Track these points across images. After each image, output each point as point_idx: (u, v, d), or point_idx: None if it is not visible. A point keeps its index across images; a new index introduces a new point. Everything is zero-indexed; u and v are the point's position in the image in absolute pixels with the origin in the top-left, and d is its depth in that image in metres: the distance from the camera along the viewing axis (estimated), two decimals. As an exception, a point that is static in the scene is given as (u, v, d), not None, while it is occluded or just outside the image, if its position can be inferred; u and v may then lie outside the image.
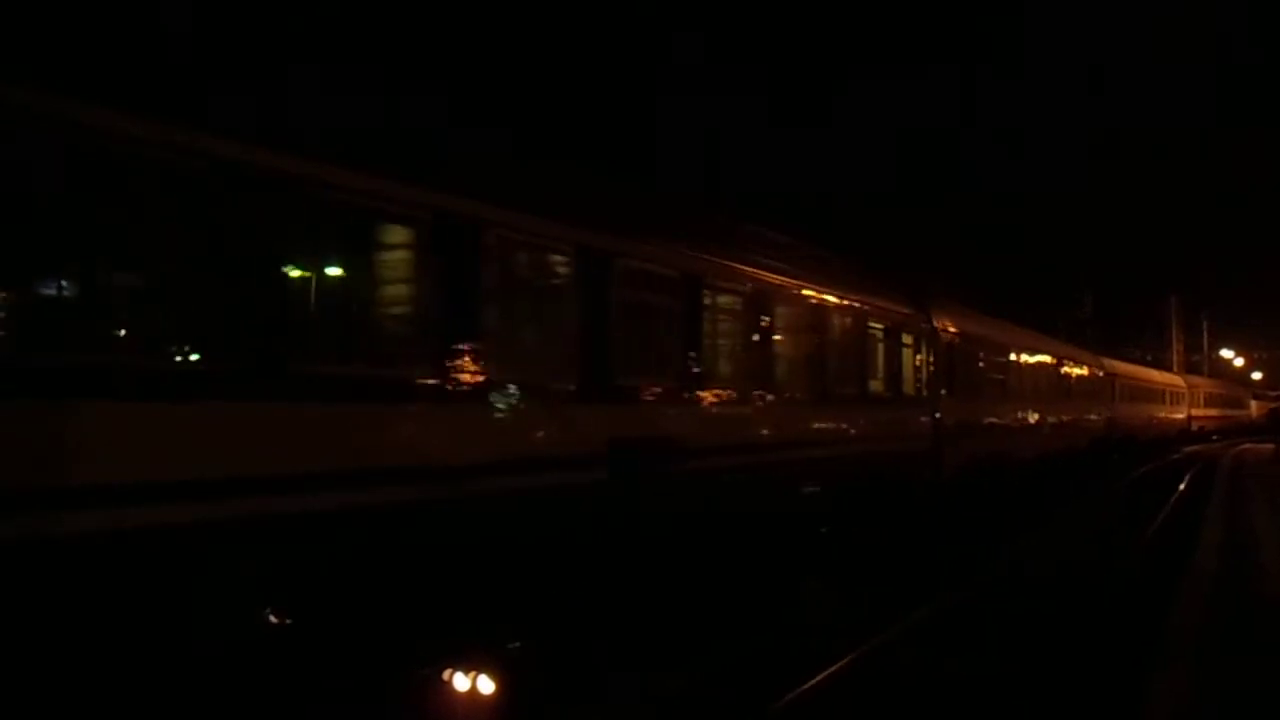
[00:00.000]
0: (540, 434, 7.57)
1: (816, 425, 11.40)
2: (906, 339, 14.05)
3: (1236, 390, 67.83)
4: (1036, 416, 21.79)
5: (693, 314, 9.31)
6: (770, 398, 10.29)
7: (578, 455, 7.81)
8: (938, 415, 14.85)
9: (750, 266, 10.30)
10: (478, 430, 6.98)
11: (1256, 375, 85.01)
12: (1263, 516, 16.00)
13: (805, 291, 11.32)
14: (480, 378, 6.97)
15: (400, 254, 6.58)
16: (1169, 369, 59.38)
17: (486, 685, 6.39)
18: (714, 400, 9.33)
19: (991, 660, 8.56)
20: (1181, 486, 23.09)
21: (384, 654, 6.00)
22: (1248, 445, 42.79)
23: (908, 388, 14.18)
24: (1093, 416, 28.36)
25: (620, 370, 8.41)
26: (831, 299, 11.87)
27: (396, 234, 6.55)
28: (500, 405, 7.08)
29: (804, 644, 8.89)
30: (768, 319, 10.38)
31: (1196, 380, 56.27)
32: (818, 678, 8.06)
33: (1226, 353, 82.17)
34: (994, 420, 18.18)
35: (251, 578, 5.43)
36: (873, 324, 12.96)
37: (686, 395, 9.11)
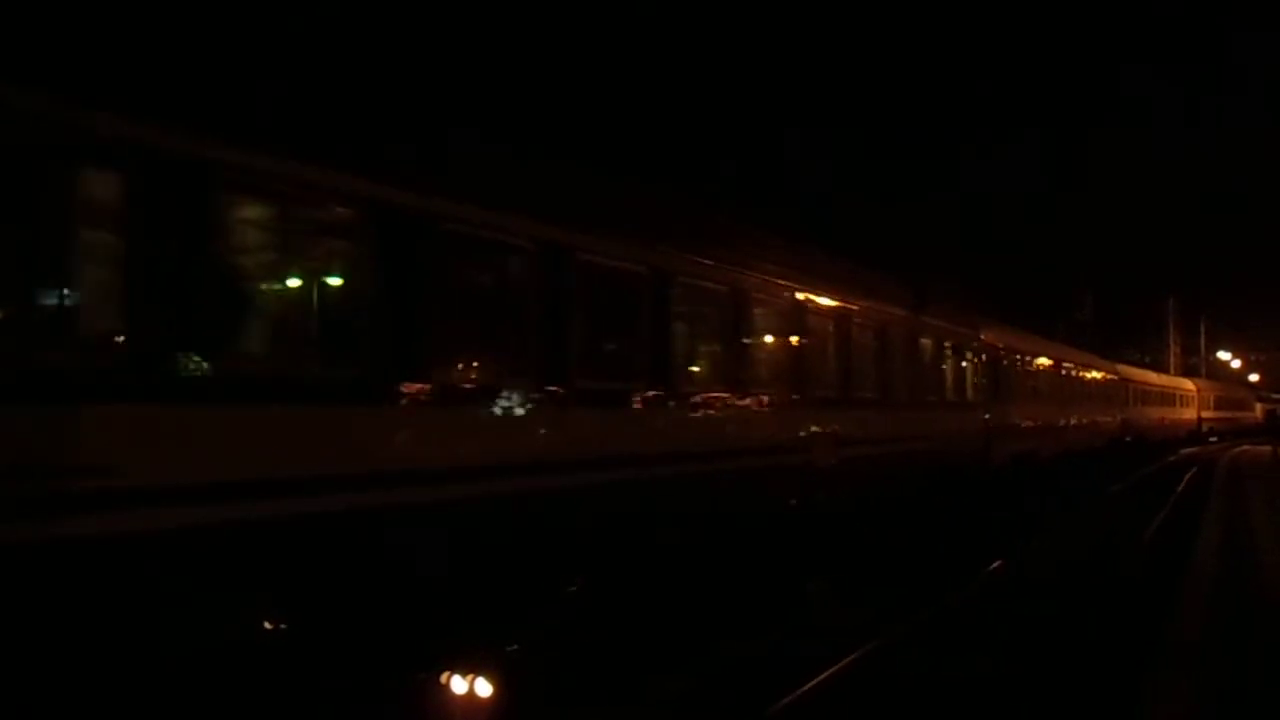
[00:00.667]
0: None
1: (916, 425, 14.48)
2: (969, 355, 17.39)
3: (1241, 393, 70.23)
4: (1061, 418, 24.81)
5: (845, 344, 12.57)
6: (891, 406, 13.74)
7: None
8: (986, 416, 17.87)
9: (883, 316, 13.81)
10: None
11: (1253, 377, 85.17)
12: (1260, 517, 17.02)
13: (916, 326, 14.97)
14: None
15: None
16: (1167, 371, 59.90)
17: (484, 688, 6.35)
18: (866, 407, 12.98)
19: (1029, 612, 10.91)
20: (1179, 488, 24.51)
21: (381, 656, 5.97)
22: (1246, 447, 42.69)
23: (968, 395, 17.45)
24: (1108, 418, 31.31)
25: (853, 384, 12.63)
26: (930, 326, 15.60)
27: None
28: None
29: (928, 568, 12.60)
30: (885, 347, 13.75)
31: (1205, 384, 59.08)
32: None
33: (1224, 354, 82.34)
34: (1028, 421, 21.20)
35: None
36: (946, 344, 16.32)
37: (854, 402, 12.63)
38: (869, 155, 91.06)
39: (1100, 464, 27.05)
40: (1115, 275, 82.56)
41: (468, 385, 7.07)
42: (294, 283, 6.18)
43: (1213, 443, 50.55)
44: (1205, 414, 52.75)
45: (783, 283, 11.00)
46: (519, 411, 7.22)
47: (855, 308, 12.69)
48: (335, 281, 6.33)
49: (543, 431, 7.52)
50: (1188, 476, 27.25)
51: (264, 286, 6.09)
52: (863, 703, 7.82)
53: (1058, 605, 11.09)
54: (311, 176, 5.78)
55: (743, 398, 10.06)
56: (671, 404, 8.91)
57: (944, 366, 16.36)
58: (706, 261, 9.75)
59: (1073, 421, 26.12)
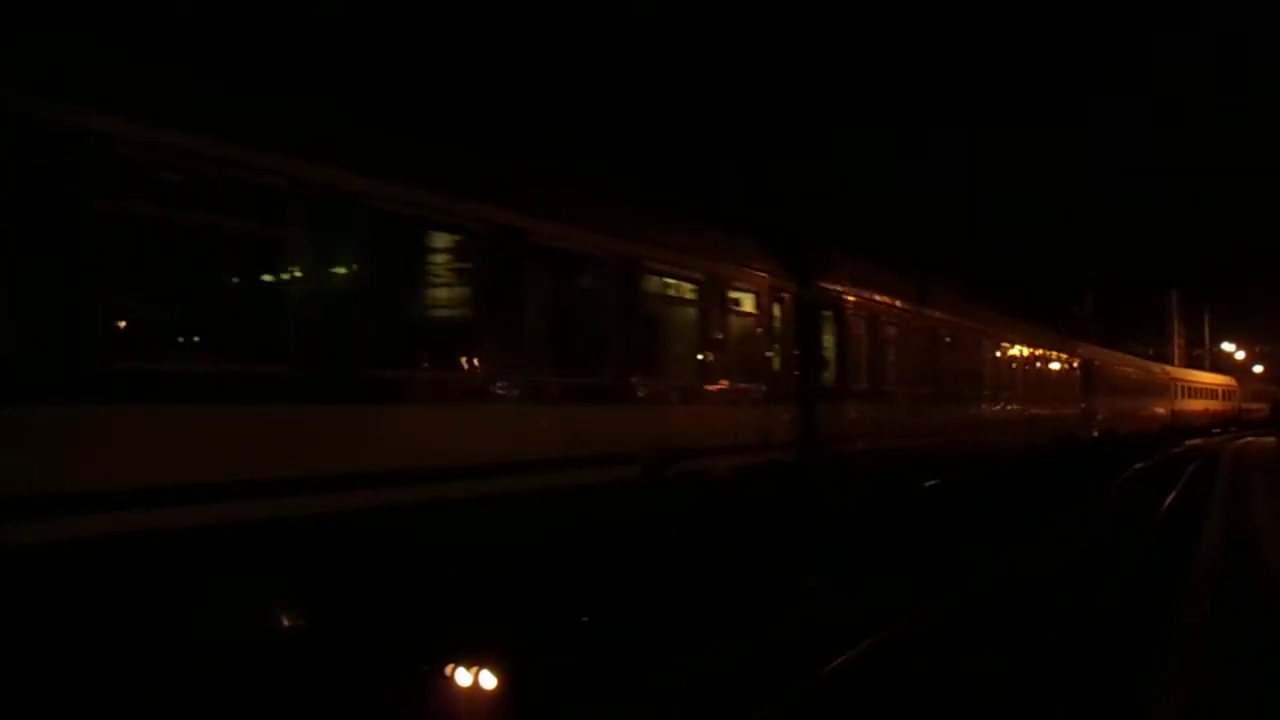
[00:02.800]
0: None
1: (1056, 411, 23.87)
2: (1072, 365, 26.13)
3: (1270, 387, 76.01)
4: (1129, 407, 33.94)
5: (991, 357, 19.56)
6: (1047, 401, 23.06)
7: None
8: (1083, 406, 26.73)
9: (1024, 344, 22.03)
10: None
11: (1258, 368, 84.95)
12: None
13: (1053, 350, 24.56)
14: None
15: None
16: (1170, 363, 60.26)
17: (489, 680, 6.40)
18: (1040, 403, 22.14)
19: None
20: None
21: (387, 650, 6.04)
22: (1249, 439, 42.89)
23: (1071, 393, 25.76)
24: (1160, 410, 40.75)
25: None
26: (1050, 351, 24.10)
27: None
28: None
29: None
30: (1046, 368, 23.16)
31: (1242, 379, 68.35)
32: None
33: (1228, 346, 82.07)
34: (1107, 410, 29.84)
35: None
36: (1062, 358, 25.22)
37: (996, 400, 19.26)
38: (869, 155, 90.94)
39: (1161, 439, 37.58)
40: (1117, 268, 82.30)
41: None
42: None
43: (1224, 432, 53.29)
44: (1245, 405, 62.41)
45: (1009, 336, 20.72)
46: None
47: (1039, 351, 22.90)
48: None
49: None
50: (1232, 446, 36.75)
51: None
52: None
53: (1153, 496, 19.82)
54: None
55: (989, 400, 18.87)
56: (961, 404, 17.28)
57: (1061, 374, 25.09)
58: (969, 323, 18.43)
59: (1138, 410, 35.69)
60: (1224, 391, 58.04)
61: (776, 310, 11.23)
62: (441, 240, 7.26)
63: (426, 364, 7.07)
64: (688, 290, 9.68)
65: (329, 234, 6.07)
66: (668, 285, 9.44)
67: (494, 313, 7.28)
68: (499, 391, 7.28)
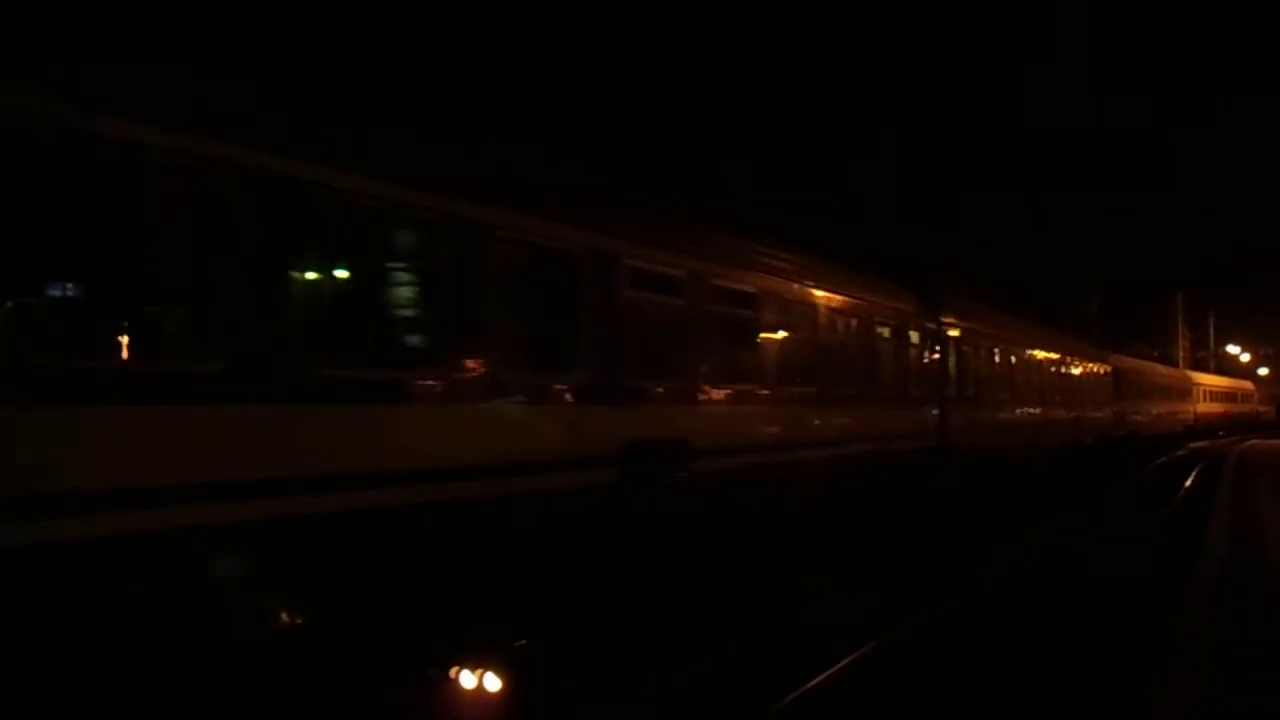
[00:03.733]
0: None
1: (1089, 412, 27.38)
2: (1103, 372, 30.17)
3: (1276, 389, 79.98)
4: (1155, 409, 38.76)
5: (1047, 370, 23.56)
6: (1080, 405, 26.56)
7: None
8: (1115, 409, 30.71)
9: (1069, 357, 26.22)
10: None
11: (1263, 371, 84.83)
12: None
13: (1094, 363, 29.37)
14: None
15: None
16: (1175, 365, 60.71)
17: (493, 683, 6.38)
18: (1074, 407, 25.69)
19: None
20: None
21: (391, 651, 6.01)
22: (1254, 440, 42.87)
23: (1105, 397, 29.83)
24: (1185, 410, 46.08)
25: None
26: (1088, 363, 28.17)
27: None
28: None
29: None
30: (1070, 375, 26.11)
31: (1259, 383, 74.49)
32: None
33: (1233, 348, 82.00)
34: (1135, 411, 34.35)
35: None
36: (1097, 367, 29.27)
37: (1051, 404, 23.28)
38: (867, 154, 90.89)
39: (1181, 437, 42.77)
40: (1122, 270, 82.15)
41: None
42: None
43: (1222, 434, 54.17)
44: (1260, 408, 67.33)
45: (1058, 351, 24.94)
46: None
47: (1079, 362, 26.97)
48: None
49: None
50: (1242, 444, 39.45)
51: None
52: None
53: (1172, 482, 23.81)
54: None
55: (1046, 404, 22.92)
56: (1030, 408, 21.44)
57: (1097, 381, 28.96)
58: (1033, 343, 22.81)
59: (1162, 412, 40.30)
60: (1241, 395, 64.02)
61: (918, 338, 15.48)
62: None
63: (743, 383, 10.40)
64: (887, 329, 14.22)
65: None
66: (881, 326, 14.07)
67: (759, 345, 10.72)
68: (799, 397, 11.35)
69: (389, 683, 6.09)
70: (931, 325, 15.69)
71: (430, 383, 6.83)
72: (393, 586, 6.19)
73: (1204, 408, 50.40)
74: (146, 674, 4.96)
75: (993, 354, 18.94)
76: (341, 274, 6.43)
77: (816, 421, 11.73)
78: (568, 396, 7.88)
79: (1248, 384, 69.10)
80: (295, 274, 6.02)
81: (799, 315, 11.49)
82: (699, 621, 8.06)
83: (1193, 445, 41.18)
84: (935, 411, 15.51)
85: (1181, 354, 73.25)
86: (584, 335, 8.08)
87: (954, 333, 16.58)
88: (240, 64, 6.37)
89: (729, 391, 9.86)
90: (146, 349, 5.32)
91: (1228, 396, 59.43)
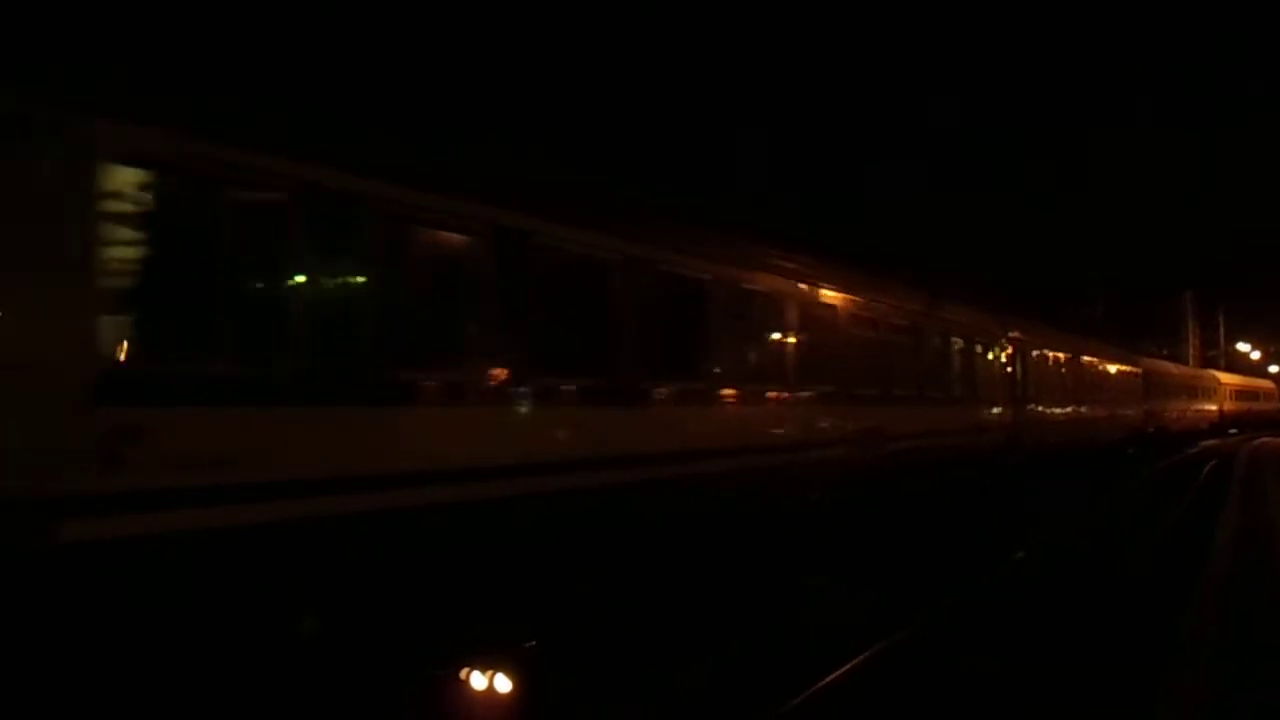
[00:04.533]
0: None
1: (1122, 410, 30.82)
2: (1138, 373, 34.11)
3: None
4: (1182, 408, 42.97)
5: (1093, 374, 27.85)
6: (1114, 404, 30.21)
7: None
8: (1145, 408, 34.27)
9: (1106, 361, 30.03)
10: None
11: (1273, 369, 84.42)
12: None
13: (1131, 368, 33.70)
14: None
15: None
16: (1186, 364, 60.73)
17: (503, 684, 6.41)
18: (1111, 405, 29.42)
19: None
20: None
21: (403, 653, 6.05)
22: (1266, 439, 42.78)
23: (1136, 396, 33.24)
24: (1209, 410, 50.64)
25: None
26: (1122, 366, 31.79)
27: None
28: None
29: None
30: (1108, 377, 29.97)
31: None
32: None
33: (1243, 346, 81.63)
34: (1162, 409, 37.94)
35: None
36: (1130, 369, 32.96)
37: (1095, 404, 27.10)
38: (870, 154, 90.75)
39: (1206, 432, 47.88)
40: (1131, 268, 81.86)
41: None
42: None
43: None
44: None
45: (1099, 356, 28.64)
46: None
47: (1114, 365, 30.58)
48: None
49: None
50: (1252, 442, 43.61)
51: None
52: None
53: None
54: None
55: (1091, 404, 26.60)
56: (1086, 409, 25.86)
57: (1129, 382, 32.68)
58: (1083, 353, 26.94)
59: (1190, 410, 44.96)
60: (1264, 394, 69.01)
61: (995, 352, 19.33)
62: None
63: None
64: (980, 346, 18.50)
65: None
66: (977, 344, 18.35)
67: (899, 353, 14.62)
68: (936, 400, 15.70)
69: (401, 683, 6.13)
70: (1003, 340, 19.72)
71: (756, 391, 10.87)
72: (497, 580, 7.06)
73: (1229, 405, 55.19)
74: (154, 671, 5.01)
75: (1046, 361, 22.94)
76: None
77: (943, 418, 15.91)
78: (830, 403, 12.14)
79: (1269, 383, 73.43)
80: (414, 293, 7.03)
81: (938, 341, 16.25)
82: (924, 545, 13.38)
83: (1212, 442, 44.30)
84: (1007, 411, 19.36)
85: (1192, 352, 72.96)
86: (829, 362, 12.21)
87: (1019, 346, 20.47)
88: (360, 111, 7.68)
89: (899, 396, 14.14)
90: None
91: (1251, 395, 64.44)
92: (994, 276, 41.02)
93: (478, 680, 6.51)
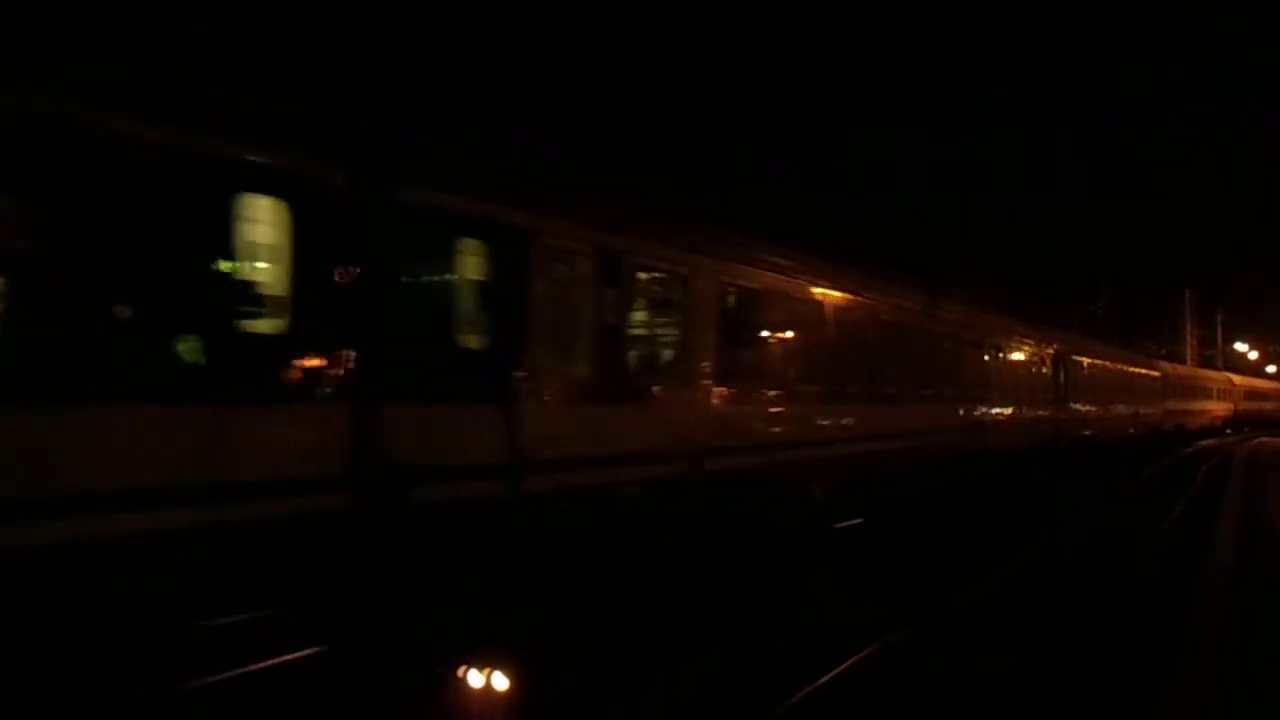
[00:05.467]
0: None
1: (1148, 409, 36.31)
2: (1156, 376, 38.76)
3: None
4: (1198, 408, 47.85)
5: (1122, 377, 32.89)
6: (1140, 403, 35.35)
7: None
8: (1167, 407, 39.19)
9: (1131, 367, 35.78)
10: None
11: (1271, 369, 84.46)
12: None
13: (1153, 372, 39.82)
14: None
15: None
16: (1183, 363, 60.97)
17: (501, 682, 6.38)
18: (1129, 405, 33.06)
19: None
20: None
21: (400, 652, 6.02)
22: (1264, 439, 42.85)
23: (1156, 397, 37.56)
24: (1224, 409, 55.24)
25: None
26: (1143, 370, 37.37)
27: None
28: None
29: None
30: (1133, 380, 34.78)
31: None
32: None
33: (1241, 346, 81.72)
34: (1181, 408, 42.81)
35: None
36: (1149, 373, 37.94)
37: (1126, 404, 32.25)
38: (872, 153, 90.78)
39: (1220, 429, 52.04)
40: (1130, 267, 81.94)
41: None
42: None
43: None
44: None
45: (1127, 363, 34.63)
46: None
47: (1138, 370, 35.66)
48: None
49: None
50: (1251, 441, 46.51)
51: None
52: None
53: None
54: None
55: (1123, 404, 31.82)
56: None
57: (1150, 384, 37.17)
58: (1116, 361, 32.71)
59: (1204, 408, 49.94)
60: (1275, 394, 74.25)
61: (1044, 361, 23.35)
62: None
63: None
64: (1035, 356, 22.64)
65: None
66: (1034, 355, 22.48)
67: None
68: (1011, 401, 19.73)
69: (400, 682, 6.10)
70: (1049, 351, 23.78)
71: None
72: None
73: (1243, 405, 60.06)
74: (146, 667, 4.97)
75: (1081, 368, 26.99)
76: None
77: (1014, 415, 20.36)
78: (959, 403, 17.17)
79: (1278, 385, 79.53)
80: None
81: (1013, 355, 21.00)
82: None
83: (1221, 440, 46.78)
84: (1051, 410, 23.43)
85: (1190, 351, 73.04)
86: (958, 375, 17.28)
87: (1061, 356, 24.54)
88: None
89: (990, 399, 18.78)
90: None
91: (1263, 396, 69.55)
92: (996, 275, 41.06)
93: (475, 679, 6.48)
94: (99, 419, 4.92)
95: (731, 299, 10.35)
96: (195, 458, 5.26)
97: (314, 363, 5.96)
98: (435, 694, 6.37)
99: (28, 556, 4.66)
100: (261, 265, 5.80)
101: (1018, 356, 20.92)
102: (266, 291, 5.76)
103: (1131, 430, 32.29)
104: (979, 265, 41.71)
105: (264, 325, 5.72)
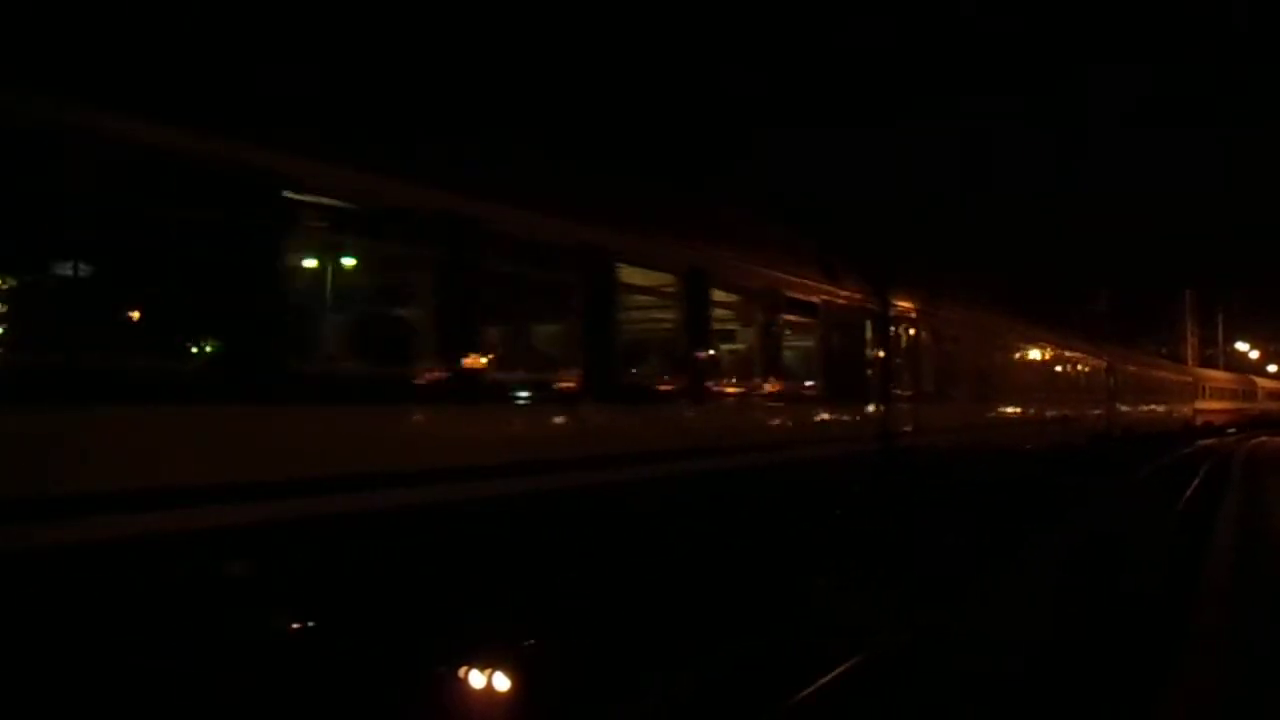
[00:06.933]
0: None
1: (1176, 407, 44.78)
2: (1188, 380, 48.90)
3: None
4: (1219, 408, 53.97)
5: (1164, 380, 43.26)
6: (1170, 404, 43.64)
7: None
8: (1195, 406, 48.06)
9: (1169, 374, 46.82)
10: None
11: (1271, 368, 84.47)
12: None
13: (1185, 378, 50.20)
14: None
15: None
16: (1184, 363, 61.20)
17: (502, 682, 6.33)
18: (1166, 404, 42.13)
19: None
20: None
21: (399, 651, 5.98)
22: (1263, 438, 42.90)
23: (1189, 398, 46.66)
24: (1247, 408, 62.15)
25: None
26: (1179, 376, 48.65)
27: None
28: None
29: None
30: (1170, 384, 45.16)
31: None
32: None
33: (1242, 345, 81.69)
34: (1206, 409, 50.27)
35: None
36: (1183, 378, 47.79)
37: (1164, 403, 41.79)
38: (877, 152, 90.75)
39: (1243, 426, 56.26)
40: (1130, 267, 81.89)
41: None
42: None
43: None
44: None
45: (1166, 370, 45.85)
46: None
47: (1174, 375, 46.36)
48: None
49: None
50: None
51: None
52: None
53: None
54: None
55: (1162, 403, 40.79)
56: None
57: (1184, 388, 44.40)
58: (1161, 370, 44.66)
59: (1229, 408, 56.86)
60: None
61: (1095, 367, 30.21)
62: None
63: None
64: (1088, 363, 29.37)
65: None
66: (1084, 364, 29.35)
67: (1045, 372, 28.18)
68: (1075, 402, 27.71)
69: (397, 681, 6.06)
70: (1103, 363, 30.80)
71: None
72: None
73: (1261, 405, 66.89)
74: (148, 671, 4.93)
75: (1127, 374, 34.24)
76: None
77: (1085, 411, 27.82)
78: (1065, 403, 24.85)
79: None
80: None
81: (1088, 365, 28.65)
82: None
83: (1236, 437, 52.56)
84: (1104, 406, 30.36)
85: (1190, 351, 73.03)
86: (1062, 382, 24.97)
87: (1112, 364, 31.64)
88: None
89: (1075, 399, 26.55)
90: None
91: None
92: (998, 274, 41.09)
93: (476, 679, 6.43)
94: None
95: (950, 332, 16.50)
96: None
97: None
98: (435, 694, 6.33)
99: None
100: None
101: (1085, 368, 28.47)
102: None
103: (1167, 424, 40.21)
104: (979, 262, 41.75)
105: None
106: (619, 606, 7.73)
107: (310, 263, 6.78)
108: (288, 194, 5.62)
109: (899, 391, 13.63)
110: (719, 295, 9.82)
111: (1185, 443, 39.60)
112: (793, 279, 10.94)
